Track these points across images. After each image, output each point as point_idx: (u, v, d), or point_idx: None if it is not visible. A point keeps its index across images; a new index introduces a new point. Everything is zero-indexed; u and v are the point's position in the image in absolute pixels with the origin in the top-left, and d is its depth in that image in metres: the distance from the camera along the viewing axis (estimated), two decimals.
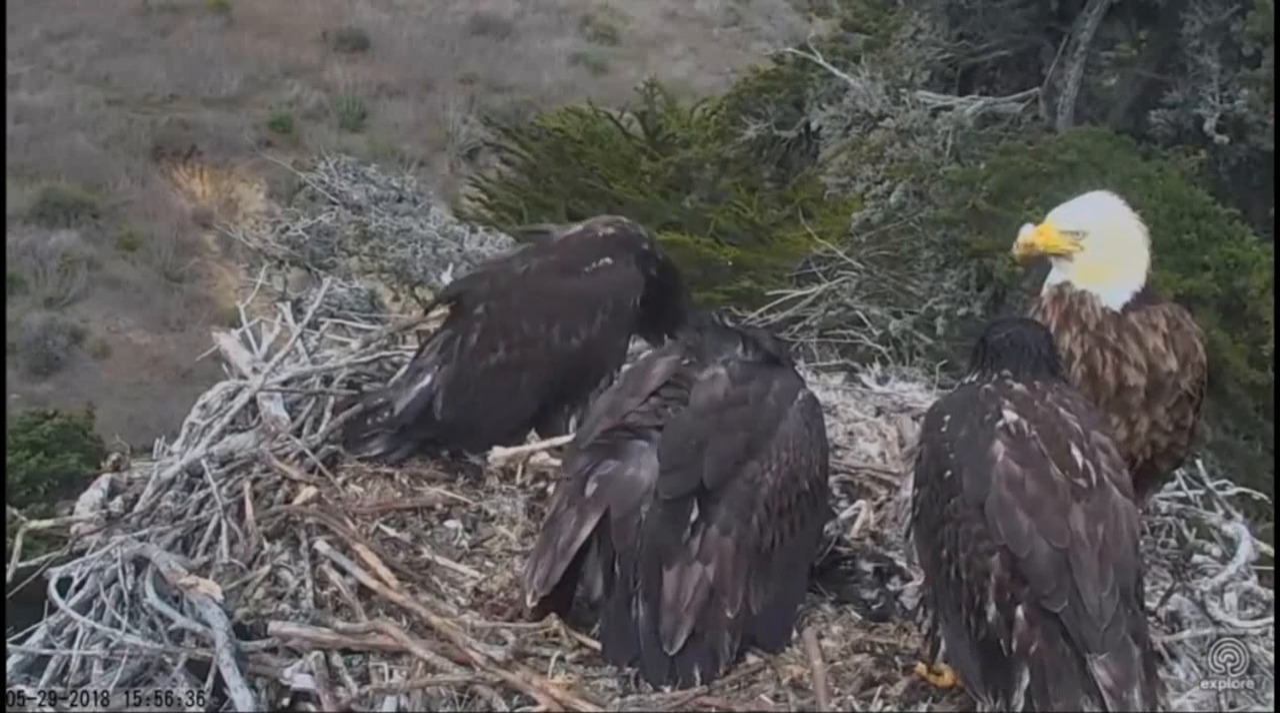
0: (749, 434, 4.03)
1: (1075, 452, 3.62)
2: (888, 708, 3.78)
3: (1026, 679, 3.41)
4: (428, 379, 4.91)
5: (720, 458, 3.95)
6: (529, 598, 3.99)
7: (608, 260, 4.91)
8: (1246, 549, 4.79)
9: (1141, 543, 3.98)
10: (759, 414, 4.08)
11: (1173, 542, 5.02)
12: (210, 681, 3.90)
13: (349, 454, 4.87)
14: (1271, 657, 4.25)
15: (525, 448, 4.84)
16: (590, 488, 4.01)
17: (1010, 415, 3.66)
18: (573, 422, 4.86)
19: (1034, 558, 3.43)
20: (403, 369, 5.22)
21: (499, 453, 4.83)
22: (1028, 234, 4.46)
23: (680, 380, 4.17)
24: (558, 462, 4.54)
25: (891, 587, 4.33)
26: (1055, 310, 4.40)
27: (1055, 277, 4.47)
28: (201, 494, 4.71)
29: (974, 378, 3.91)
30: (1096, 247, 4.37)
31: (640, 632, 3.83)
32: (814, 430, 4.19)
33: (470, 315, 4.95)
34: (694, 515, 3.89)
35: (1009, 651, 3.43)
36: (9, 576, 4.46)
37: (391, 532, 4.49)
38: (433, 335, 5.12)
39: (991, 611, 3.46)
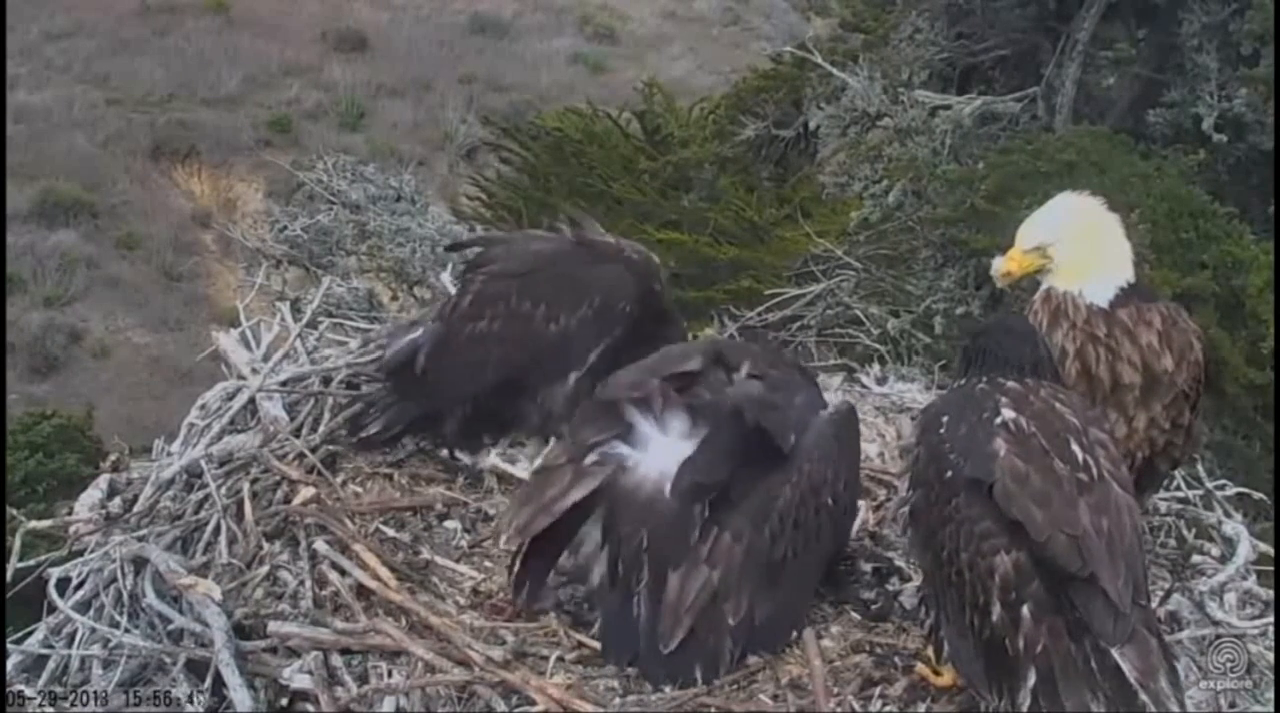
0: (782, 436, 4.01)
1: (1075, 447, 3.62)
2: (887, 708, 3.78)
3: (1032, 678, 3.40)
4: (419, 332, 4.97)
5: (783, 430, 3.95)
6: (503, 540, 3.96)
7: (617, 267, 4.92)
8: (1245, 549, 4.79)
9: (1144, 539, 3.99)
10: (789, 421, 4.04)
11: (1172, 542, 5.02)
12: (209, 680, 3.90)
13: (349, 439, 4.92)
14: (1270, 657, 4.25)
15: (518, 468, 4.86)
16: (591, 457, 3.95)
17: (1009, 412, 3.66)
18: (522, 415, 4.89)
19: (1053, 542, 3.43)
20: None
21: (492, 460, 4.85)
22: (1000, 265, 4.51)
23: (708, 376, 4.12)
24: None
25: (891, 587, 4.34)
26: (1045, 311, 4.43)
27: (1045, 281, 4.50)
28: (200, 494, 4.72)
29: (964, 381, 3.91)
30: (1067, 250, 4.39)
31: (641, 631, 3.83)
32: (843, 444, 4.14)
33: (474, 277, 5.03)
34: (704, 518, 3.86)
35: (1014, 650, 3.42)
36: (9, 575, 4.46)
37: (391, 532, 4.49)
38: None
39: (996, 610, 3.45)
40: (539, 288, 4.86)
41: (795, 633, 3.98)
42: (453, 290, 6.21)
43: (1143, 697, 3.35)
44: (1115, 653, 3.37)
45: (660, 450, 3.95)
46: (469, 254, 5.32)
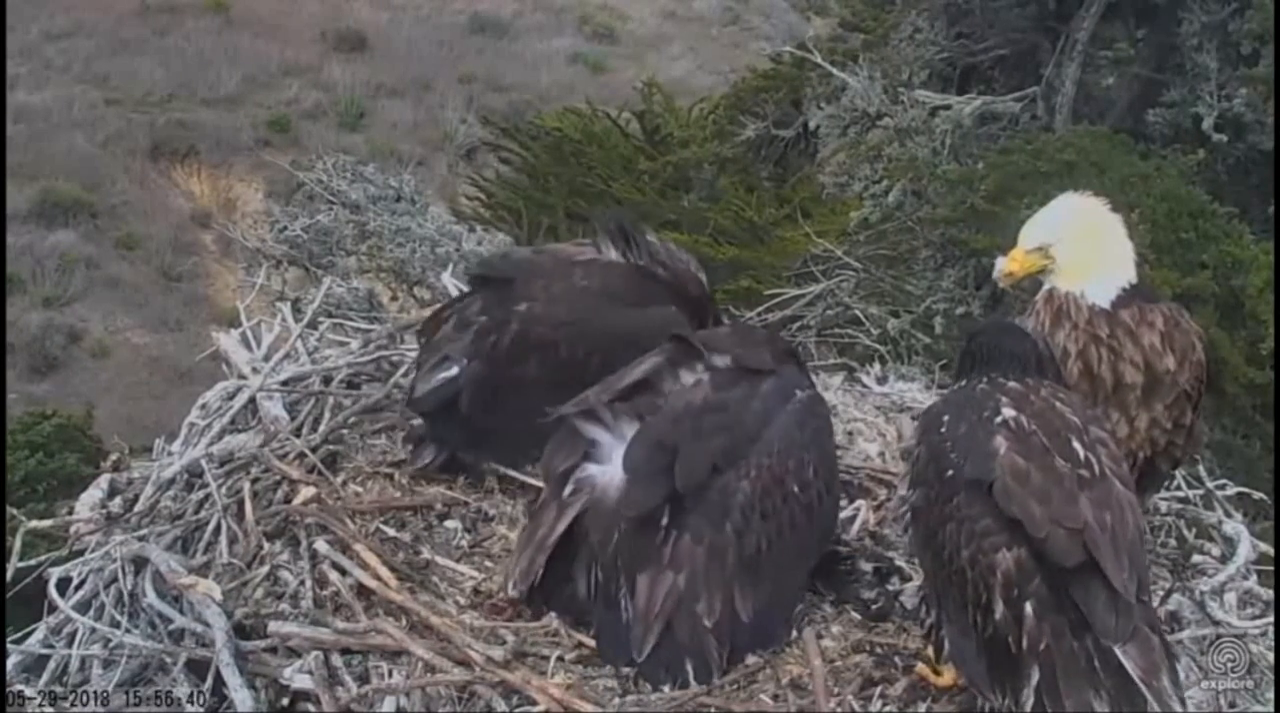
0: (727, 441, 3.99)
1: (1076, 445, 3.62)
2: (887, 708, 3.78)
3: (1036, 677, 3.39)
4: (454, 370, 4.77)
5: (693, 465, 3.91)
6: (510, 588, 4.02)
7: (672, 308, 4.78)
8: (1246, 549, 4.79)
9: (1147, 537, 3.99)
10: (741, 420, 4.05)
11: (1172, 542, 5.02)
12: (210, 681, 3.90)
13: (412, 470, 4.81)
14: (1271, 657, 4.25)
15: (522, 476, 4.82)
16: (569, 488, 4.04)
17: (1009, 411, 3.66)
18: None
19: (1052, 538, 3.43)
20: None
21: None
22: (1002, 265, 4.50)
23: (657, 384, 4.15)
24: None
25: (891, 587, 4.33)
26: (1047, 311, 4.43)
27: (1047, 281, 4.51)
28: (201, 494, 4.71)
29: (965, 382, 3.91)
30: (1069, 251, 4.39)
31: (631, 635, 3.85)
32: (807, 431, 4.15)
33: (510, 310, 4.76)
34: (665, 524, 3.87)
35: (1017, 648, 3.42)
36: (9, 575, 4.46)
37: (391, 532, 4.49)
38: (463, 307, 4.91)
39: (999, 609, 3.45)
40: (589, 338, 4.68)
41: (792, 625, 4.00)
42: (454, 291, 6.18)
43: (1146, 695, 3.35)
44: (1118, 651, 3.37)
45: (619, 455, 4.00)
46: (501, 272, 4.99)
